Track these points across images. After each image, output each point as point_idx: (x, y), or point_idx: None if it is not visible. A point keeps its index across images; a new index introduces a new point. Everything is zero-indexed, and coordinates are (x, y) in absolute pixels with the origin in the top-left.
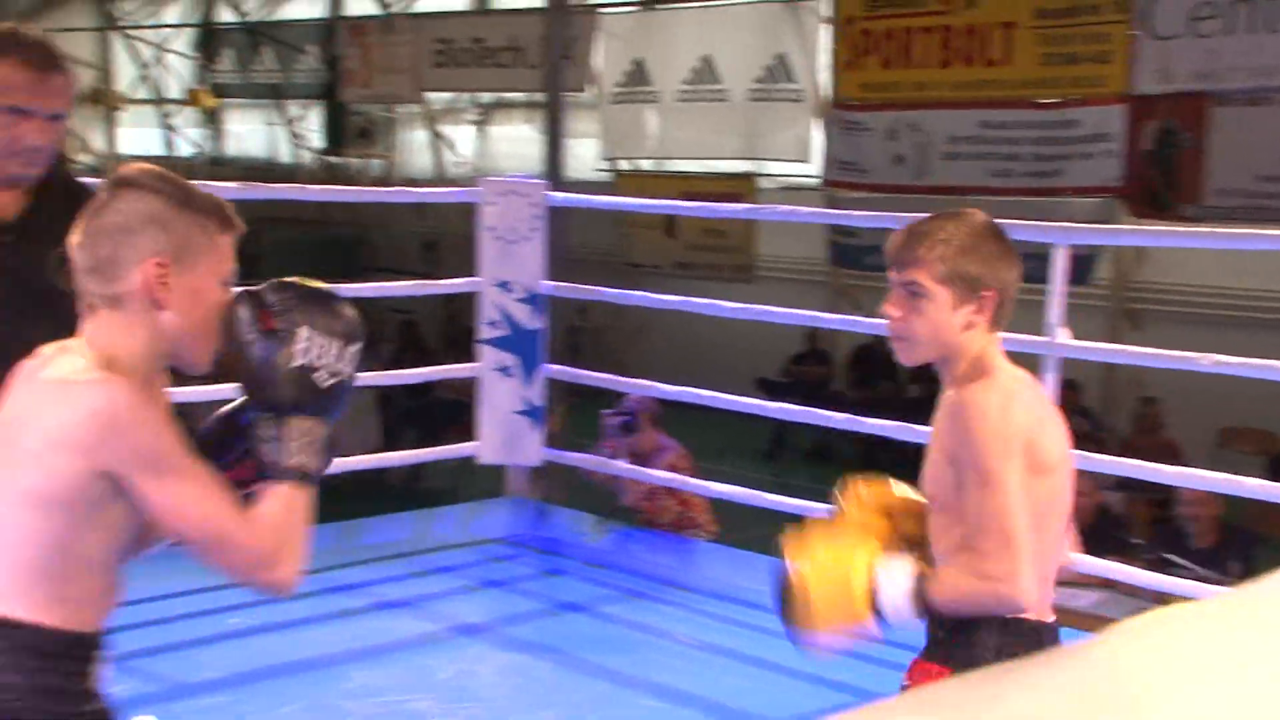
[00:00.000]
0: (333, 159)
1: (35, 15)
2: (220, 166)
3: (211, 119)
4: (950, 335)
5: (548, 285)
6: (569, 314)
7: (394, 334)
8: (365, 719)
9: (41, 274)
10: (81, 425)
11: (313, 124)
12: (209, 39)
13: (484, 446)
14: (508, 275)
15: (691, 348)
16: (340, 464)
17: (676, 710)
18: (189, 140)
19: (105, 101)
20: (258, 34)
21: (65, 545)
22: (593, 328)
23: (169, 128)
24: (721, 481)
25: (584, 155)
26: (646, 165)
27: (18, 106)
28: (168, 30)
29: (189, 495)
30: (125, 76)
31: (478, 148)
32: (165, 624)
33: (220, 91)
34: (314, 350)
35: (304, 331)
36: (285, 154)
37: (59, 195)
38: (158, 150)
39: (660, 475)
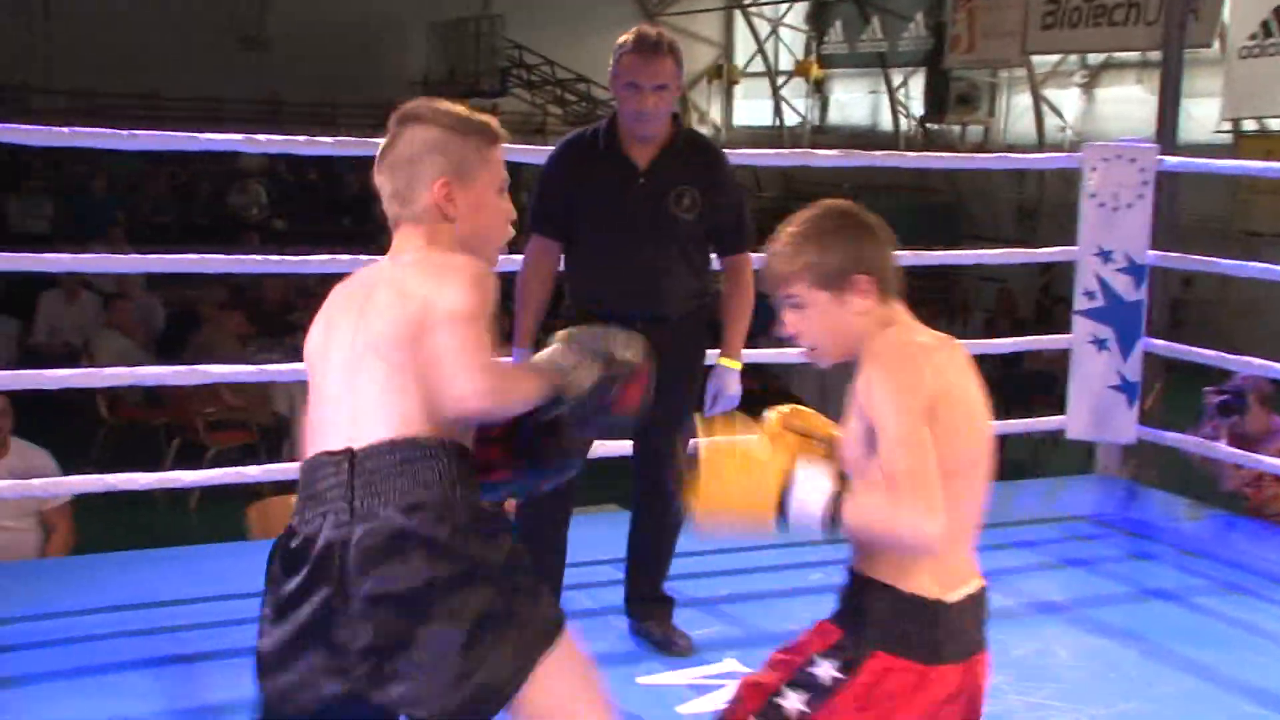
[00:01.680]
0: (932, 126)
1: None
2: (823, 134)
3: (818, 89)
4: (847, 330)
5: (1152, 255)
6: (1173, 286)
7: (987, 301)
8: None
9: (664, 205)
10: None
11: (914, 91)
12: (820, 12)
13: (1073, 420)
14: (1109, 244)
15: None
16: None
17: (1276, 718)
18: (795, 110)
19: (724, 76)
20: (866, 4)
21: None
22: (1197, 300)
23: (778, 99)
24: None
25: (1200, 117)
26: (1276, 125)
27: (632, 82)
28: (783, 5)
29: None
30: (743, 52)
31: (1083, 111)
32: (752, 573)
33: (827, 62)
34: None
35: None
36: (885, 122)
37: (679, 149)
38: (766, 120)
39: (1271, 461)
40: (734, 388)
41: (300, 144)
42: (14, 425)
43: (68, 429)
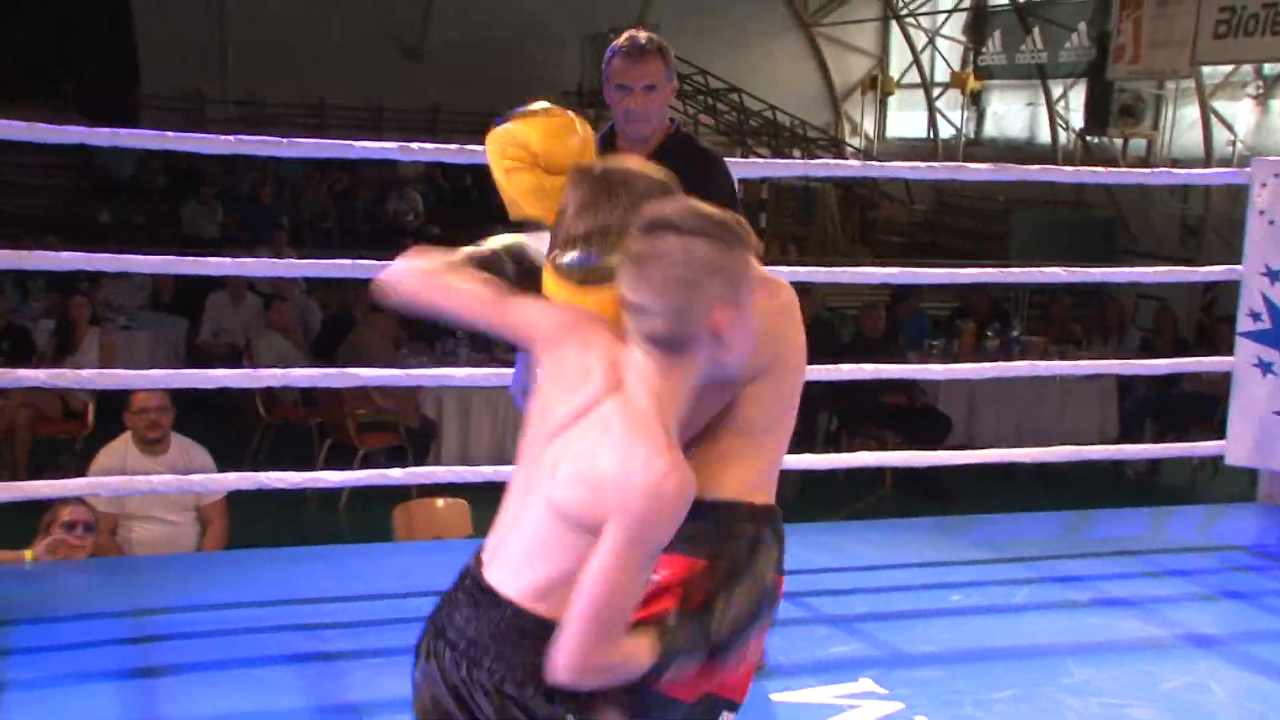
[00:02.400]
0: (1092, 139)
1: (826, 10)
2: (977, 147)
3: (974, 101)
4: None
5: None
6: None
7: (1145, 321)
8: (1084, 718)
9: None
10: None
11: (1074, 104)
12: (979, 22)
13: (1233, 446)
14: (1277, 263)
15: None
16: (1076, 453)
17: None
18: (950, 122)
19: (878, 87)
20: (1028, 14)
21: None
22: None
23: (933, 110)
24: None
25: None
26: None
27: (621, 84)
28: (941, 16)
29: (614, 576)
30: (898, 63)
31: (1256, 125)
32: (891, 592)
33: (985, 74)
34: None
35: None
36: (1044, 135)
37: (672, 151)
38: (919, 133)
39: None
40: None
41: (452, 152)
42: (176, 422)
43: (228, 427)
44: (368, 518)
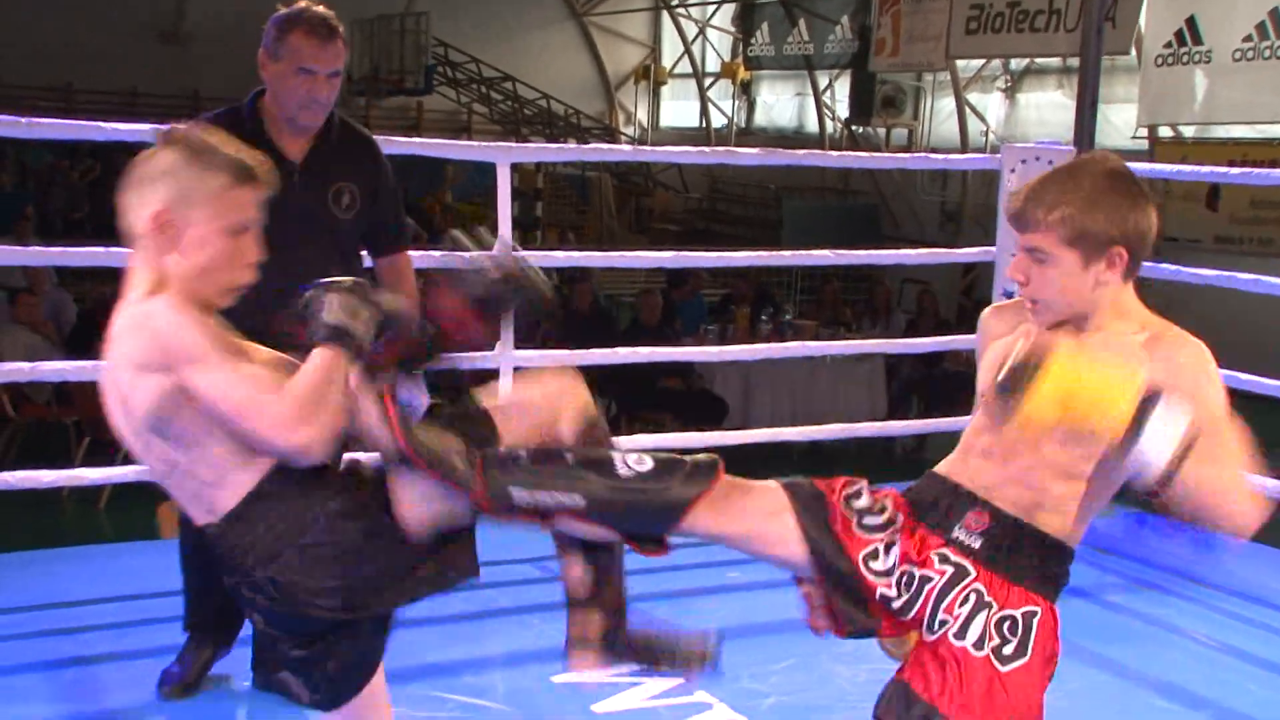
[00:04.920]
0: (857, 129)
1: (598, 0)
2: (749, 136)
3: (744, 91)
4: (1082, 296)
5: None
6: None
7: (909, 303)
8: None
9: (321, 205)
10: (142, 345)
11: (840, 94)
12: (747, 14)
13: None
14: None
15: (1229, 329)
16: (847, 429)
17: (1187, 713)
18: (722, 111)
19: (651, 77)
20: (794, 7)
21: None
22: None
23: (705, 100)
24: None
25: (1118, 122)
26: (1189, 132)
27: (305, 67)
28: (710, 7)
29: (217, 379)
30: (670, 54)
31: (1005, 116)
32: (666, 572)
33: (754, 64)
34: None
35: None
36: (812, 124)
37: (335, 141)
38: (693, 122)
39: None
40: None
41: None
42: None
43: None
44: (131, 517)
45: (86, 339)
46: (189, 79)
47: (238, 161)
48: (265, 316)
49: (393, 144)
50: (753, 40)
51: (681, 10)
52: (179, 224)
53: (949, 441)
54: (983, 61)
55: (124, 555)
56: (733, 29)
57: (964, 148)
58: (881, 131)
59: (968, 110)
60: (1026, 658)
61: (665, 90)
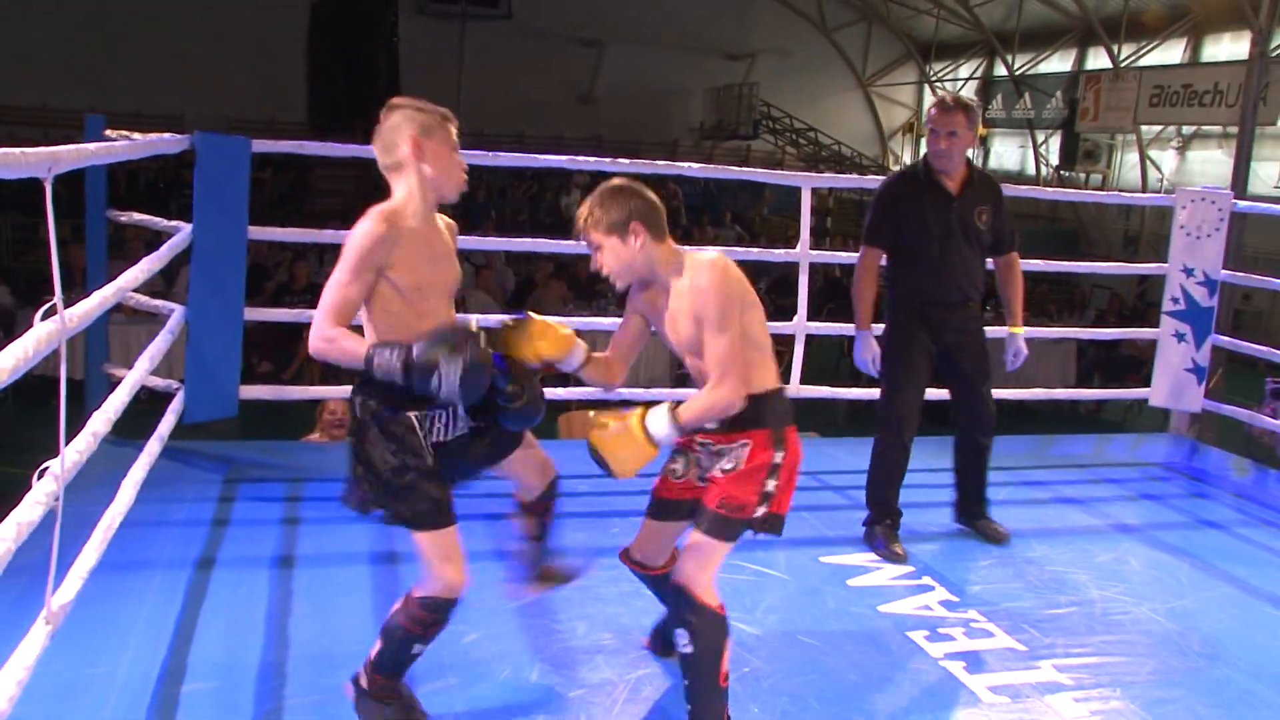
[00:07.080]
0: (1064, 173)
1: (878, 75)
2: None
3: (982, 143)
4: (635, 262)
5: (1224, 274)
6: (1236, 298)
7: (1099, 302)
8: (1041, 581)
9: (970, 221)
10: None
11: (1052, 148)
12: (987, 87)
13: (1156, 392)
14: (1192, 263)
15: None
16: (1043, 393)
17: None
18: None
19: (914, 131)
20: (1020, 83)
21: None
22: (1254, 310)
23: None
24: None
25: (1265, 175)
26: None
27: (934, 129)
28: (959, 82)
29: (331, 280)
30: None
31: (1176, 167)
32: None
33: (990, 124)
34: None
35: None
36: (1030, 169)
37: (975, 181)
38: None
39: None
40: (1024, 348)
41: (607, 163)
42: None
43: None
44: None
45: (519, 300)
46: (596, 128)
47: (440, 110)
48: (936, 293)
49: (731, 172)
50: (990, 106)
51: (939, 83)
52: (425, 147)
53: (1119, 406)
54: (1161, 127)
55: None
56: (975, 98)
57: (1144, 189)
58: (1082, 176)
59: (1148, 162)
60: (740, 466)
61: (925, 141)
